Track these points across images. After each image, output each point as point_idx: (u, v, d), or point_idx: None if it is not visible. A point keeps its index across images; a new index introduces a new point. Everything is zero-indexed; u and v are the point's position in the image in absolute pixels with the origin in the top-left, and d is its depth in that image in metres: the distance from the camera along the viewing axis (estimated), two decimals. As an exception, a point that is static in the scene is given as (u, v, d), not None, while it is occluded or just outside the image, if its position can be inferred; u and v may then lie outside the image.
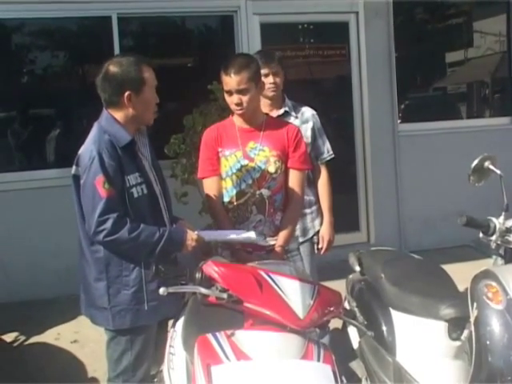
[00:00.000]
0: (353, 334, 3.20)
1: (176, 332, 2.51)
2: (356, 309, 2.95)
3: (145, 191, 2.53)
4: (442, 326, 2.64)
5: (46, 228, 5.38)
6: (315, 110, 3.63)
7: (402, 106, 6.84)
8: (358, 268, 3.24)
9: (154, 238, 2.44)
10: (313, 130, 3.52)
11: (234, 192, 2.87)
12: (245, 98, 2.77)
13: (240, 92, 2.76)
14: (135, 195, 2.49)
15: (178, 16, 6.17)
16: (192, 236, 2.55)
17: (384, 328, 2.91)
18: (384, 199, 6.44)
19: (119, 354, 2.57)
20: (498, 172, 2.77)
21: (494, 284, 2.39)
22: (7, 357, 4.25)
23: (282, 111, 3.46)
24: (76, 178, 2.50)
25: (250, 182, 2.85)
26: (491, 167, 2.78)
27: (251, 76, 2.76)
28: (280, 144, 2.88)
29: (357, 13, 6.31)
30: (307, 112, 3.56)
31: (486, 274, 2.46)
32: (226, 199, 2.91)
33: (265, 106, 3.36)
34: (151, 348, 2.63)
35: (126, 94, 2.50)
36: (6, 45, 5.86)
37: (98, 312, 2.55)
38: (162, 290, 2.01)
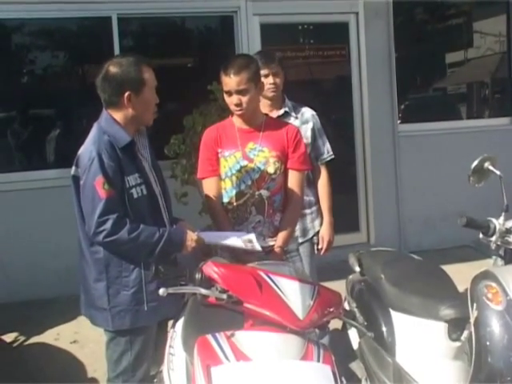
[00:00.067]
0: (353, 334, 3.20)
1: (176, 332, 2.51)
2: (356, 309, 2.95)
3: (144, 192, 2.53)
4: (441, 327, 2.64)
5: (46, 228, 5.38)
6: (315, 110, 3.63)
7: (402, 107, 6.85)
8: (357, 268, 3.24)
9: (153, 239, 2.44)
10: (313, 130, 3.52)
11: (234, 193, 2.87)
12: (244, 99, 2.77)
13: (239, 92, 2.76)
14: (135, 196, 2.49)
15: (177, 16, 6.18)
16: (192, 237, 2.54)
17: (384, 329, 2.91)
18: (384, 200, 6.45)
19: (119, 354, 2.57)
20: (498, 173, 2.77)
21: (493, 285, 2.39)
22: (7, 357, 4.25)
23: (281, 112, 3.46)
24: (76, 179, 2.50)
25: (250, 182, 2.85)
26: (491, 168, 2.79)
27: (251, 77, 2.76)
28: (279, 145, 2.88)
29: (357, 13, 6.31)
30: (307, 112, 3.56)
31: (486, 275, 2.46)
32: (226, 200, 2.90)
33: (265, 106, 3.37)
34: (151, 348, 2.63)
35: (126, 94, 2.50)
36: (7, 45, 5.87)
37: (97, 313, 2.55)
38: (161, 291, 2.02)
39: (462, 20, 7.58)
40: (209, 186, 2.92)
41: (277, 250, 2.80)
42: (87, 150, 2.46)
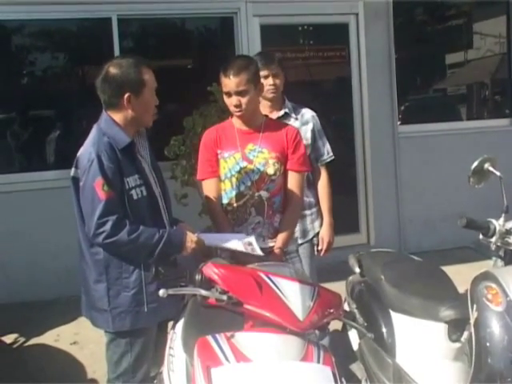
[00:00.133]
0: (353, 335, 3.20)
1: (176, 334, 2.51)
2: (356, 310, 2.95)
3: (144, 193, 2.53)
4: (441, 328, 2.64)
5: (46, 229, 5.38)
6: (315, 111, 3.63)
7: (402, 108, 6.85)
8: (357, 270, 3.24)
9: (153, 240, 2.44)
10: (313, 131, 3.52)
11: (233, 194, 2.87)
12: (243, 100, 2.77)
13: (239, 94, 2.76)
14: (135, 197, 2.49)
15: (177, 18, 6.18)
16: (192, 238, 2.54)
17: (384, 330, 2.91)
18: (384, 201, 6.44)
19: (119, 355, 2.57)
20: (498, 174, 2.77)
21: (493, 286, 2.39)
22: (7, 358, 4.24)
23: (282, 113, 3.46)
24: (75, 180, 2.50)
25: (249, 183, 2.85)
26: (491, 169, 2.79)
27: (250, 78, 2.76)
28: (279, 146, 2.88)
29: (357, 14, 6.31)
30: (307, 113, 3.56)
31: (486, 276, 2.46)
32: (225, 201, 2.90)
33: (265, 107, 3.37)
34: (151, 350, 2.63)
35: (126, 95, 2.50)
36: (7, 46, 5.87)
37: (98, 314, 2.55)
38: (161, 292, 2.01)
39: (461, 21, 7.59)
40: (208, 187, 2.92)
41: (276, 251, 2.80)
42: (87, 151, 2.46)
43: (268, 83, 3.32)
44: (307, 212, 3.52)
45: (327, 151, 3.58)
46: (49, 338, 4.62)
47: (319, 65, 6.59)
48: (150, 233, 2.44)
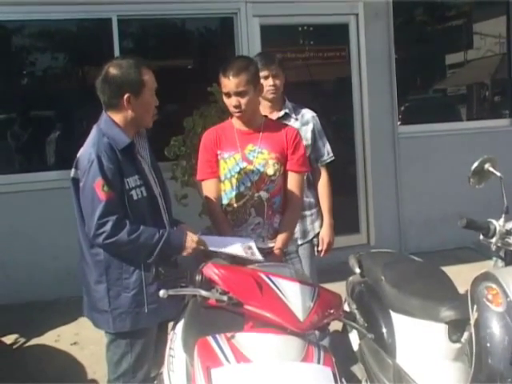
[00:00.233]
0: (353, 336, 3.20)
1: (176, 334, 2.51)
2: (356, 311, 2.95)
3: (144, 193, 2.53)
4: (442, 328, 2.64)
5: (47, 229, 5.38)
6: (315, 111, 3.63)
7: (402, 108, 6.85)
8: (358, 270, 3.24)
9: (153, 240, 2.44)
10: (313, 131, 3.52)
11: (233, 194, 2.87)
12: (243, 101, 2.77)
13: (238, 94, 2.76)
14: (135, 197, 2.49)
15: (178, 18, 6.18)
16: (192, 238, 2.53)
17: (384, 330, 2.91)
18: (384, 201, 6.44)
19: (119, 356, 2.57)
20: (498, 174, 2.77)
21: (494, 286, 2.39)
22: (7, 359, 4.24)
23: (282, 113, 3.46)
24: (75, 181, 2.50)
25: (249, 184, 2.85)
26: (491, 169, 2.78)
27: (250, 78, 2.76)
28: (279, 146, 2.88)
29: (357, 14, 6.31)
30: (307, 114, 3.56)
31: (486, 276, 2.46)
32: (225, 202, 2.90)
33: (265, 108, 3.37)
34: (151, 350, 2.63)
35: (126, 96, 2.50)
36: (7, 47, 5.87)
37: (99, 315, 2.55)
38: (162, 293, 2.01)
39: (461, 21, 7.59)
40: (208, 188, 2.92)
41: (276, 251, 2.79)
42: (86, 152, 2.46)
43: (268, 84, 3.32)
44: (307, 212, 3.52)
45: (327, 152, 3.58)
46: (49, 338, 4.62)
47: (319, 65, 6.58)
48: (150, 233, 2.44)
